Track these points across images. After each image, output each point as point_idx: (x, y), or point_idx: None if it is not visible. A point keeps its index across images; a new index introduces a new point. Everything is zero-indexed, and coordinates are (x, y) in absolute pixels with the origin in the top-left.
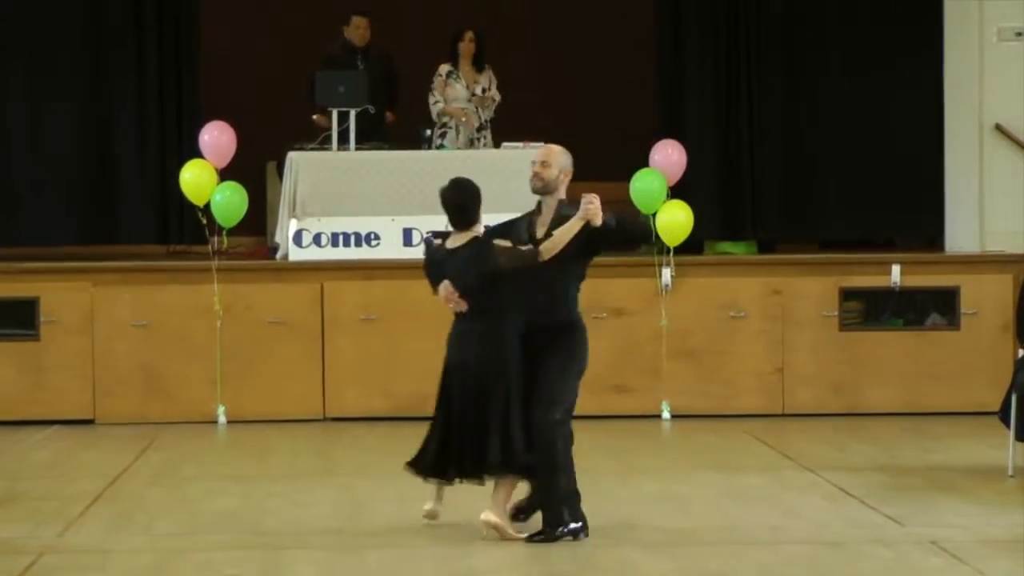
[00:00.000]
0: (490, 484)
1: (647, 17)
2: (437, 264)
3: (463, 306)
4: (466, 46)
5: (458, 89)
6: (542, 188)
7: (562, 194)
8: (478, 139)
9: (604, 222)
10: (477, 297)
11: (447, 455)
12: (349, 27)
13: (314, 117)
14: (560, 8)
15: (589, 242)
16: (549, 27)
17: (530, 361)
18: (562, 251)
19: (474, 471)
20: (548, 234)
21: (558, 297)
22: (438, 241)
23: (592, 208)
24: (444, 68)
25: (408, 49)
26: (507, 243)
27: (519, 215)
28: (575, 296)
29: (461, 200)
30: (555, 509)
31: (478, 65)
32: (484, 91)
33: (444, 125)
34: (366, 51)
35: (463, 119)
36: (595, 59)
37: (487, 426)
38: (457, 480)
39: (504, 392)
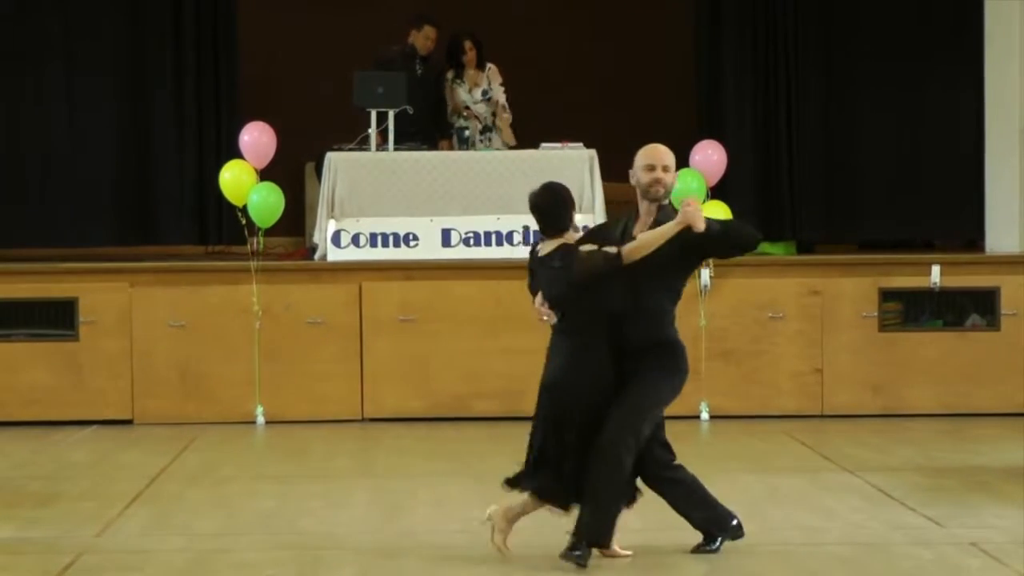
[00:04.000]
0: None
1: (686, 16)
2: (532, 272)
3: (552, 318)
4: (469, 56)
5: (461, 93)
6: (664, 196)
7: (665, 199)
8: (483, 141)
9: (708, 226)
10: (566, 309)
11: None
12: (420, 33)
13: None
14: (597, 7)
15: (692, 250)
16: (586, 27)
17: (623, 384)
18: (660, 263)
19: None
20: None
21: (655, 315)
22: (539, 247)
23: (691, 211)
24: (448, 74)
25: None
26: (593, 247)
27: (616, 220)
28: (672, 314)
29: (548, 204)
30: (596, 528)
31: (480, 66)
32: (485, 93)
33: (453, 128)
34: (426, 59)
35: (466, 114)
36: (634, 59)
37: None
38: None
39: (577, 415)
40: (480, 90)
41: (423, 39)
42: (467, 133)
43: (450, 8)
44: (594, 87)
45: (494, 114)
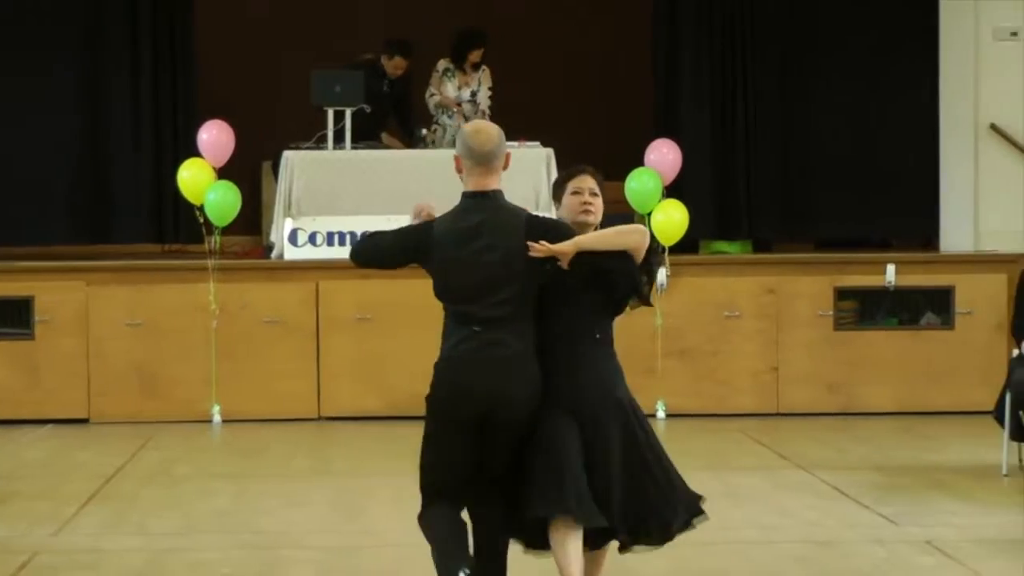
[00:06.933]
0: None
1: (644, 17)
2: None
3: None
4: (477, 53)
5: (449, 88)
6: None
7: (466, 187)
8: None
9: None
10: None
11: None
12: (390, 62)
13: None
14: (556, 7)
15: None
16: (545, 26)
17: None
18: None
19: None
20: None
21: None
22: None
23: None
24: (443, 64)
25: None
26: None
27: None
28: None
29: None
30: None
31: (475, 66)
32: (474, 94)
33: (436, 121)
34: (394, 81)
35: (456, 108)
36: (591, 58)
37: None
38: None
39: None
40: (469, 90)
41: (392, 67)
42: (423, 133)
43: (406, 7)
44: (551, 86)
45: (475, 114)
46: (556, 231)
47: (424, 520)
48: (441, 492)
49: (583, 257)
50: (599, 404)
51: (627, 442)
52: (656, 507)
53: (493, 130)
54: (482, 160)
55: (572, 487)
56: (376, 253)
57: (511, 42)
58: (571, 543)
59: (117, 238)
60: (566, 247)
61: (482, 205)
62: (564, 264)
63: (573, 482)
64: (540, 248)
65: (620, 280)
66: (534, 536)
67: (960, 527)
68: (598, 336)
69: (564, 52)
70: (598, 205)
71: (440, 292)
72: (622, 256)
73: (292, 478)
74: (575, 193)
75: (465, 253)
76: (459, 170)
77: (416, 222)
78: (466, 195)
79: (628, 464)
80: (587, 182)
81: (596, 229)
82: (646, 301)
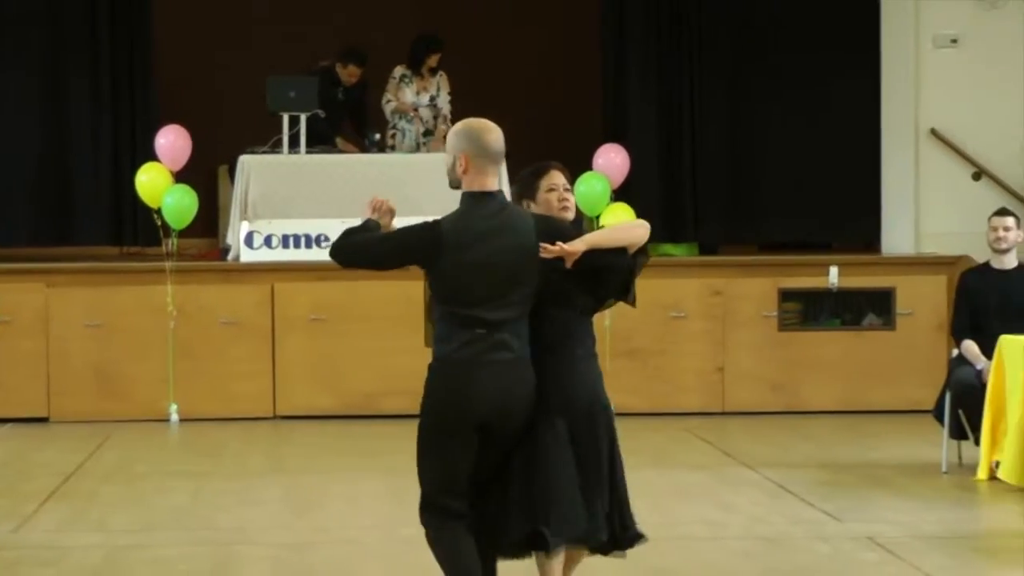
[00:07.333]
0: None
1: (593, 23)
2: None
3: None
4: (429, 64)
5: (407, 93)
6: (449, 184)
7: (471, 186)
8: (424, 144)
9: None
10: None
11: None
12: (344, 70)
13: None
14: (505, 14)
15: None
16: (494, 33)
17: None
18: None
19: None
20: None
21: None
22: None
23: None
24: (399, 71)
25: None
26: None
27: None
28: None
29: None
30: None
31: (431, 71)
32: (433, 99)
33: (394, 127)
34: (349, 89)
35: (412, 114)
36: (540, 64)
37: None
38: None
39: None
40: (428, 95)
41: (347, 75)
42: (376, 137)
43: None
44: (500, 92)
45: (435, 118)
46: (562, 231)
47: (436, 535)
48: (448, 497)
49: (583, 255)
50: (589, 409)
51: (611, 451)
52: (624, 516)
53: (498, 128)
54: (497, 158)
55: (571, 508)
56: (366, 253)
57: (461, 49)
58: (556, 560)
59: (77, 240)
60: (578, 246)
61: (493, 205)
62: (569, 264)
63: (571, 504)
64: (554, 249)
65: (612, 278)
66: (519, 549)
67: (901, 523)
68: (587, 340)
69: (513, 58)
70: (572, 200)
71: (445, 294)
72: (621, 253)
73: (248, 476)
74: (551, 190)
75: (479, 255)
76: (464, 170)
77: (374, 217)
78: (473, 195)
79: (610, 472)
80: (559, 178)
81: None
82: (632, 300)
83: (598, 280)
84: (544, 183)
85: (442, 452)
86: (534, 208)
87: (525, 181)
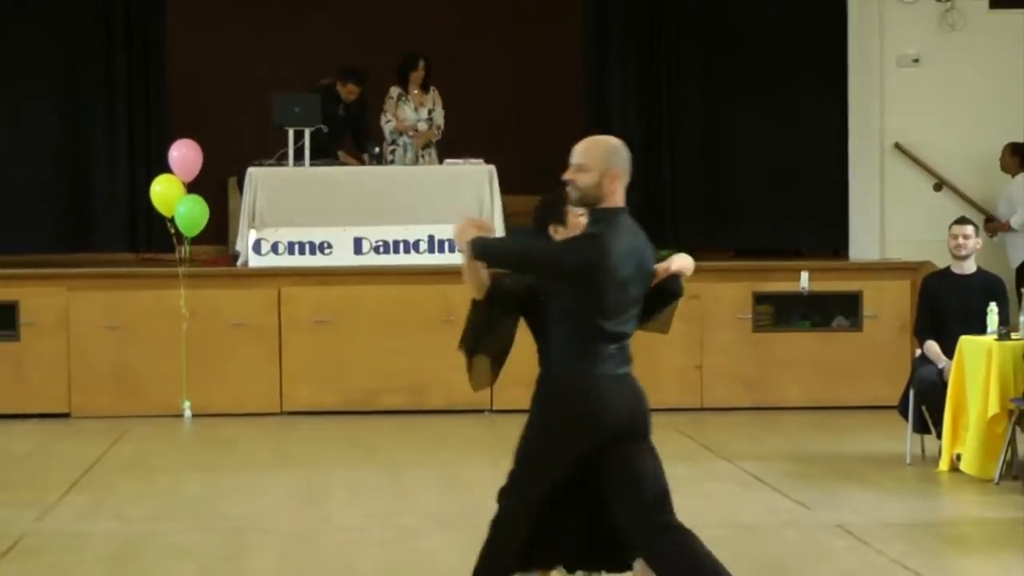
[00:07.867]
0: None
1: (575, 37)
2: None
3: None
4: (417, 74)
5: (407, 111)
6: (579, 199)
7: (613, 202)
8: (423, 156)
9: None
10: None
11: None
12: (344, 87)
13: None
14: (491, 31)
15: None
16: (480, 48)
17: None
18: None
19: None
20: None
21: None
22: None
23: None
24: (395, 91)
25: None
26: None
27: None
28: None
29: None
30: None
31: (424, 87)
32: (430, 112)
33: (394, 143)
34: (349, 105)
35: (412, 133)
36: (525, 78)
37: None
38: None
39: None
40: (426, 110)
41: (346, 93)
42: (376, 150)
43: (345, 24)
44: (488, 106)
45: (429, 129)
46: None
47: (505, 520)
48: (538, 496)
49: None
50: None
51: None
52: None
53: None
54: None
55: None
56: (529, 260)
57: (450, 65)
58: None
59: (96, 247)
60: (687, 267)
61: (631, 222)
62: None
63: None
64: (665, 268)
65: (664, 301)
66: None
67: (868, 512)
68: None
69: (499, 73)
70: None
71: (593, 307)
72: (676, 279)
73: (256, 468)
74: (581, 215)
75: (629, 270)
76: (611, 189)
77: (478, 235)
78: (620, 210)
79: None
80: None
81: None
82: (665, 328)
83: (656, 300)
84: (572, 208)
85: (555, 463)
86: (563, 232)
87: (553, 206)
